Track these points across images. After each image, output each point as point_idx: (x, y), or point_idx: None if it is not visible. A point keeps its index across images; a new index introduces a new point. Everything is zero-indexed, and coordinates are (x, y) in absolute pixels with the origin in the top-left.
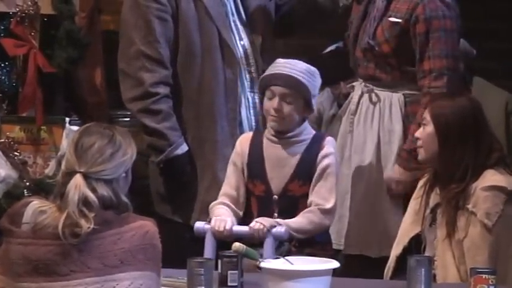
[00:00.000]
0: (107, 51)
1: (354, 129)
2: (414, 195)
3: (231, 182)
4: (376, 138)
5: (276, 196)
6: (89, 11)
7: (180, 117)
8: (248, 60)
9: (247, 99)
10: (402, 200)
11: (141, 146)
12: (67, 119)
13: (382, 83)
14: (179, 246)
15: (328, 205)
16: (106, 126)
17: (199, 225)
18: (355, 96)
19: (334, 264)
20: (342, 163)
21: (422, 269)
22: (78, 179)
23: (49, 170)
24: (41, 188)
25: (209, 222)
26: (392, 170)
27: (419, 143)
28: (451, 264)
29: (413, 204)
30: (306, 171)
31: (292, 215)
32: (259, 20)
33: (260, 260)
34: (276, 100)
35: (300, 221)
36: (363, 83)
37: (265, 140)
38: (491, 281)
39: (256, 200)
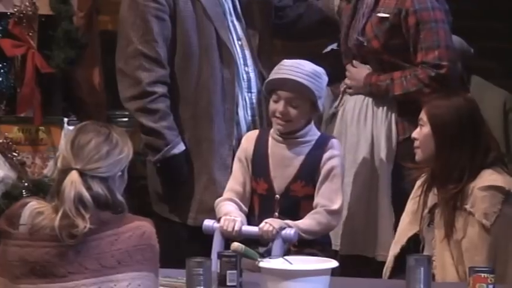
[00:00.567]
0: (105, 51)
1: (347, 129)
2: (412, 196)
3: (237, 178)
4: (370, 138)
5: (277, 195)
6: (86, 11)
7: (177, 116)
8: (245, 61)
9: (245, 99)
10: (398, 199)
11: (139, 146)
12: (65, 119)
13: None
14: (177, 246)
15: (335, 206)
16: (103, 125)
17: (208, 223)
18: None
19: (333, 263)
20: None
21: (422, 268)
22: (74, 175)
23: (48, 171)
24: (40, 189)
25: (218, 220)
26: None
27: (416, 143)
28: (449, 265)
29: (411, 204)
30: (309, 173)
31: (292, 215)
32: (257, 20)
33: (259, 259)
34: (281, 104)
35: (308, 222)
36: None
37: (270, 139)
38: (490, 280)
39: (258, 198)
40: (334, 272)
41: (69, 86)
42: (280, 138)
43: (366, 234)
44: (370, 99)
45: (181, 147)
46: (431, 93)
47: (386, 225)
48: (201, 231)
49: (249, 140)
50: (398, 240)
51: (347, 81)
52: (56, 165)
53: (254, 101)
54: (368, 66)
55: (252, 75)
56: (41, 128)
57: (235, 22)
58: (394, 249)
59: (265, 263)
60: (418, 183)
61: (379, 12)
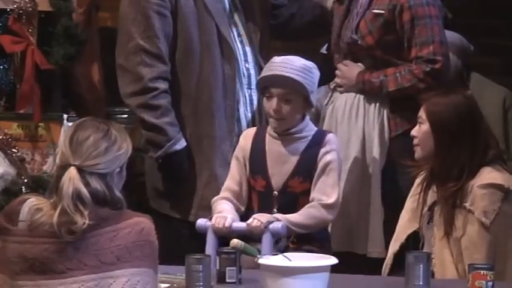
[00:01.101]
0: (104, 48)
1: (338, 126)
2: (411, 193)
3: (234, 177)
4: (361, 134)
5: (276, 192)
6: (86, 7)
7: (178, 112)
8: (246, 57)
9: (245, 96)
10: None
11: (138, 143)
12: (65, 116)
13: None
14: (177, 243)
15: (330, 200)
16: (101, 121)
17: (201, 222)
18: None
19: (333, 260)
20: None
21: (421, 265)
22: (72, 172)
23: (47, 167)
24: (39, 185)
25: (210, 219)
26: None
27: (415, 141)
28: (449, 262)
29: (411, 201)
30: (306, 168)
31: (291, 211)
32: (257, 16)
33: (258, 256)
34: (274, 101)
35: (299, 216)
36: None
37: (267, 136)
38: (490, 277)
39: (256, 196)
40: (332, 268)
41: (69, 82)
42: (276, 135)
43: (358, 231)
44: (362, 96)
45: (182, 143)
46: (426, 89)
47: (378, 222)
48: None
49: (246, 137)
50: (397, 238)
51: (337, 79)
52: (56, 162)
53: (254, 97)
54: (359, 64)
55: (252, 71)
56: (40, 124)
57: (236, 18)
58: (394, 247)
59: (265, 260)
60: (418, 180)
61: (373, 9)
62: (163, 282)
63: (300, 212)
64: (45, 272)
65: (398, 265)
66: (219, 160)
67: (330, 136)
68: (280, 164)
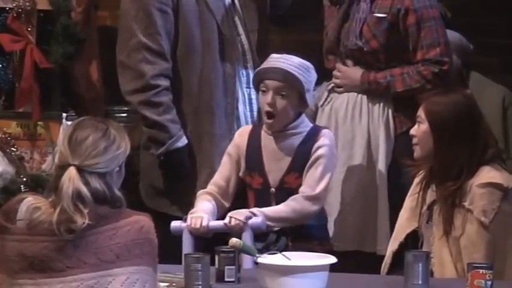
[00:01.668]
0: (103, 46)
1: (340, 126)
2: (410, 192)
3: (222, 172)
4: (366, 133)
5: (273, 189)
6: (85, 6)
7: (180, 110)
8: (245, 56)
9: (244, 94)
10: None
11: (138, 141)
12: (64, 115)
13: None
14: (176, 241)
15: (313, 192)
16: (100, 120)
17: (175, 224)
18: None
19: (332, 259)
20: None
21: (420, 264)
22: (71, 172)
23: (46, 166)
24: (38, 184)
25: (185, 220)
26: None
27: (414, 140)
28: (448, 262)
29: (410, 200)
30: (301, 164)
31: None
32: (255, 16)
33: (257, 255)
34: (270, 94)
35: (278, 209)
36: None
37: (263, 133)
38: (489, 276)
39: (253, 193)
40: (331, 267)
41: (68, 81)
42: (272, 132)
43: (365, 230)
44: (365, 96)
45: (184, 141)
46: (432, 89)
47: (385, 219)
48: None
49: (242, 135)
50: (396, 237)
51: (336, 80)
52: (55, 161)
53: (253, 96)
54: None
55: (251, 70)
56: (39, 123)
57: (235, 17)
58: (393, 246)
59: (264, 259)
60: (417, 179)
61: (375, 13)
62: (162, 281)
63: (280, 205)
64: (44, 270)
65: (398, 264)
66: (218, 158)
67: (324, 131)
68: (276, 160)
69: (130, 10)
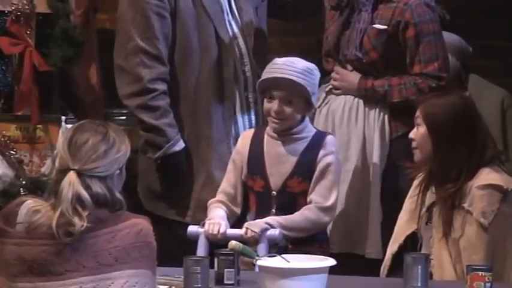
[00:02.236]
0: (102, 49)
1: (336, 128)
2: (410, 194)
3: (229, 180)
4: (362, 136)
5: (274, 192)
6: (84, 9)
7: (177, 114)
8: (242, 60)
9: (242, 98)
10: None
11: (137, 144)
12: (63, 118)
13: None
14: (174, 244)
15: (327, 203)
16: (100, 123)
17: (192, 229)
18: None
19: (331, 262)
20: None
21: (419, 267)
22: (72, 176)
23: (45, 169)
24: (38, 187)
25: (203, 225)
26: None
27: (414, 144)
28: (447, 263)
29: (409, 202)
30: (305, 169)
31: (290, 211)
32: (252, 20)
33: (256, 258)
34: (276, 103)
35: (293, 218)
36: None
37: (266, 136)
38: (488, 278)
39: (255, 196)
40: (331, 270)
41: (67, 84)
42: (275, 135)
43: (357, 232)
44: (361, 99)
45: (181, 145)
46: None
47: (376, 223)
48: None
49: (244, 139)
50: (396, 239)
51: (334, 82)
52: (54, 164)
53: (250, 100)
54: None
55: (249, 74)
56: (38, 126)
57: (232, 22)
58: (392, 248)
59: (263, 261)
60: (416, 182)
61: (375, 23)
62: (161, 284)
63: (295, 214)
64: (43, 273)
65: (397, 266)
66: (216, 162)
67: (329, 138)
68: (279, 164)
69: (128, 14)
